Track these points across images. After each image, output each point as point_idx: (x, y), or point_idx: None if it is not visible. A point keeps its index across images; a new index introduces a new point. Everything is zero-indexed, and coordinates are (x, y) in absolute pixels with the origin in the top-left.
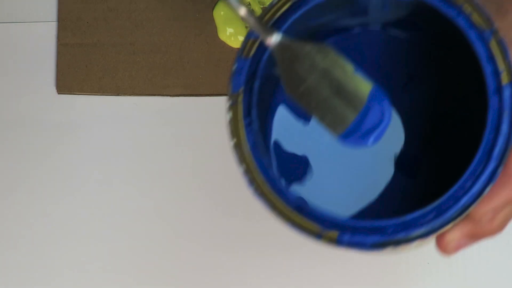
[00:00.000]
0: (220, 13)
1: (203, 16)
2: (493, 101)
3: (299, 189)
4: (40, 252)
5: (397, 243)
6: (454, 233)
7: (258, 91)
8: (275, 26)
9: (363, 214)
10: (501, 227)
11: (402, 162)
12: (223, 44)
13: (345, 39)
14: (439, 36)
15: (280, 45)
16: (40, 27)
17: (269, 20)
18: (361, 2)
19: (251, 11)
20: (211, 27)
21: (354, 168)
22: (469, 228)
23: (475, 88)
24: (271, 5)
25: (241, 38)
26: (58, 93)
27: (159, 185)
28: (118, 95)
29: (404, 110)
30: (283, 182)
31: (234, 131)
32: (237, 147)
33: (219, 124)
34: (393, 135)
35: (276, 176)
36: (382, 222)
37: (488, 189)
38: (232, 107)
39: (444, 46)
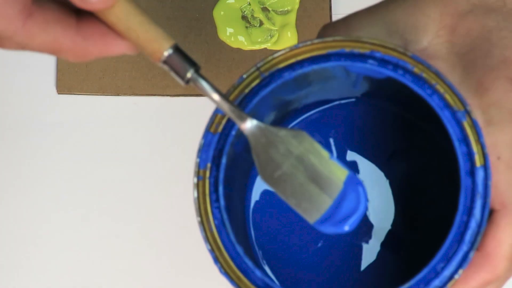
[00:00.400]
0: (220, 13)
1: (203, 16)
2: (466, 183)
3: (277, 262)
4: (40, 252)
5: None
6: None
7: (226, 167)
8: (244, 101)
9: None
10: None
11: (386, 237)
12: (223, 44)
13: (328, 111)
14: (417, 111)
15: (255, 130)
16: None
17: (238, 95)
18: (334, 77)
19: (224, 96)
20: (211, 27)
21: (334, 242)
22: None
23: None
24: (241, 80)
25: (241, 38)
26: (58, 93)
27: (159, 185)
28: (118, 95)
29: (390, 182)
30: (260, 254)
31: (200, 208)
32: (203, 224)
33: None
34: (384, 210)
35: (243, 254)
36: None
37: (459, 273)
38: (199, 183)
39: (424, 120)
